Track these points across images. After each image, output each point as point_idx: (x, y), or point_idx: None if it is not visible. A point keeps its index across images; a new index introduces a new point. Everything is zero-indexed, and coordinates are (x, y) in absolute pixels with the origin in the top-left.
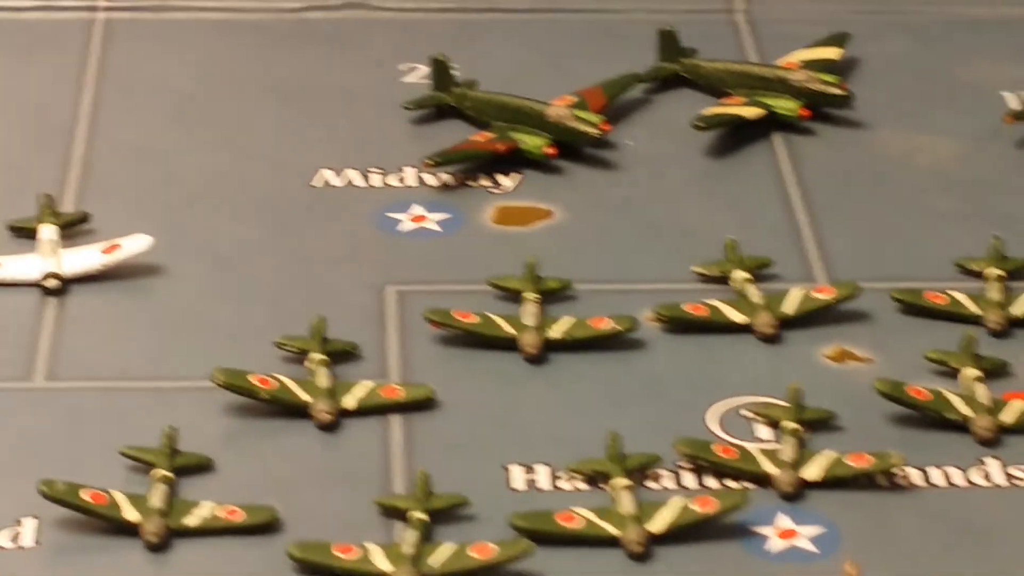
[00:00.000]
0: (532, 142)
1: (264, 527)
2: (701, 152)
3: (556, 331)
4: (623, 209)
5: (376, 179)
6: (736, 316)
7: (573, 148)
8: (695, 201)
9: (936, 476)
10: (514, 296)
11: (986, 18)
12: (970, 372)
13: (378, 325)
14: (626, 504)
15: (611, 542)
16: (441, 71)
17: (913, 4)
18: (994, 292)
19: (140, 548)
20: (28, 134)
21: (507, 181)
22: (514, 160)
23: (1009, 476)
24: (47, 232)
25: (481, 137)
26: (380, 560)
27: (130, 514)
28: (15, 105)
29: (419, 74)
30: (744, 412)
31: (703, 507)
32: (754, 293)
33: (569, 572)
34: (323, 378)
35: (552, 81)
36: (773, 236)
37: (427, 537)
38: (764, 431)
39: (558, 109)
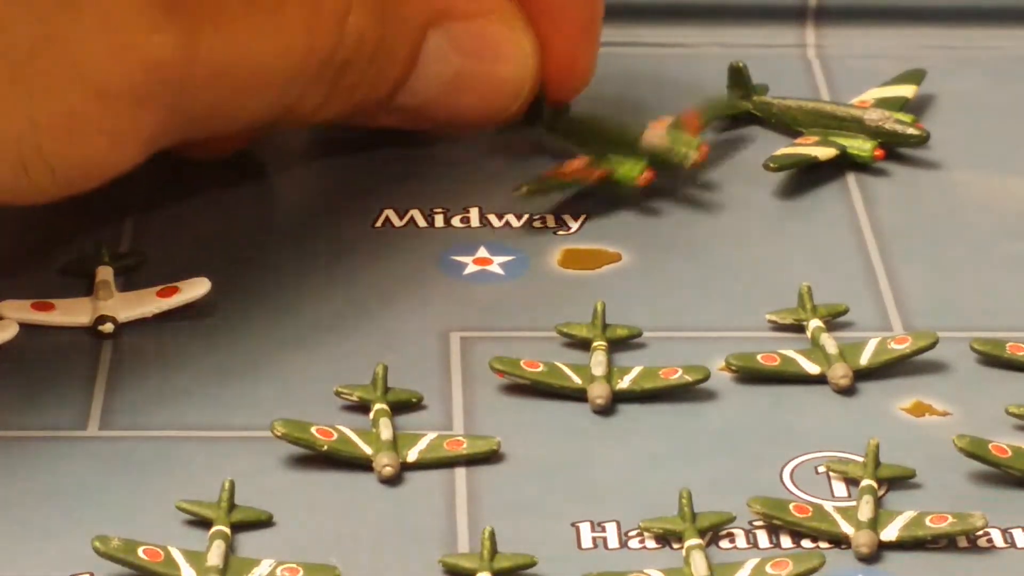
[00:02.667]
0: (627, 170)
1: None
2: (773, 193)
3: (625, 381)
4: (692, 252)
5: (439, 220)
6: (810, 367)
7: (642, 189)
8: (767, 244)
9: (1021, 538)
10: (581, 343)
11: None
12: None
13: (442, 373)
14: (699, 566)
15: None
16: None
17: (990, 40)
18: None
19: None
20: None
21: (573, 222)
22: (581, 199)
23: None
24: (103, 274)
25: (577, 164)
26: None
27: (187, 574)
28: None
29: None
30: (820, 468)
31: (778, 570)
32: (829, 343)
33: None
34: (385, 430)
35: (619, 115)
36: (847, 281)
37: None
38: (839, 487)
39: (654, 132)
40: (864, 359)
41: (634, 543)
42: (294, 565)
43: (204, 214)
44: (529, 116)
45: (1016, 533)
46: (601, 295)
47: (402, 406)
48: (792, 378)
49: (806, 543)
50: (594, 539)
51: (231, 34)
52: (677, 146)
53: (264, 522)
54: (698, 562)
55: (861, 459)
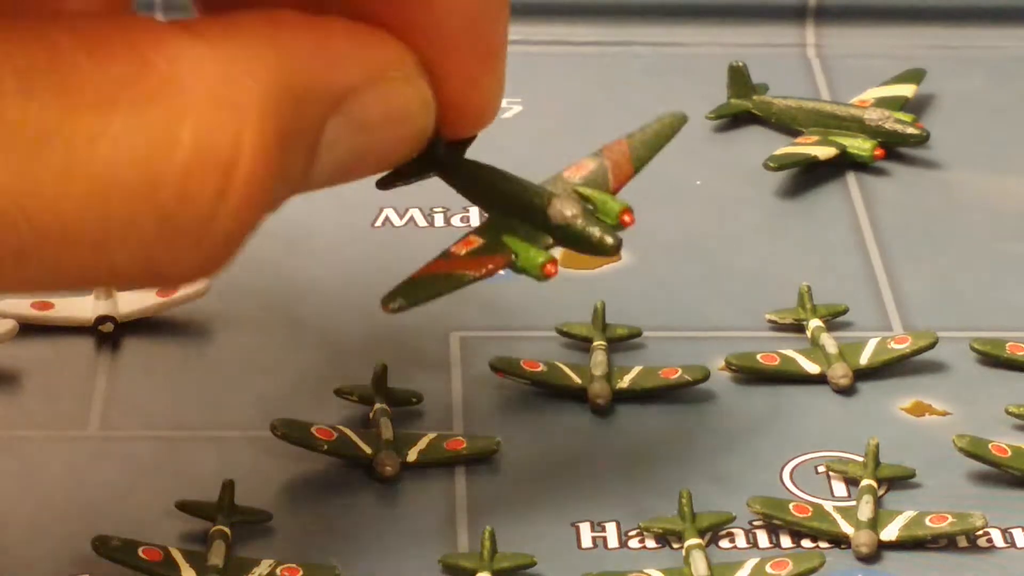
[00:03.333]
0: (530, 257)
1: None
2: (772, 193)
3: (625, 381)
4: (692, 252)
5: (440, 219)
6: (809, 366)
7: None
8: (767, 244)
9: (1020, 538)
10: (581, 343)
11: None
12: None
13: (442, 372)
14: (699, 566)
15: None
16: None
17: (989, 40)
18: None
19: None
20: None
21: None
22: None
23: None
24: None
25: (463, 247)
26: None
27: (187, 573)
28: None
29: None
30: (820, 468)
31: (778, 569)
32: (829, 342)
33: None
34: (385, 429)
35: (618, 116)
36: (847, 281)
37: None
38: (839, 487)
39: (563, 207)
40: (864, 359)
41: (634, 543)
42: (294, 565)
43: None
44: (422, 160)
45: (1016, 533)
46: (601, 295)
47: (402, 406)
48: (792, 378)
49: (806, 543)
50: (594, 539)
51: None
52: (588, 227)
53: (264, 522)
54: (698, 562)
55: (861, 459)
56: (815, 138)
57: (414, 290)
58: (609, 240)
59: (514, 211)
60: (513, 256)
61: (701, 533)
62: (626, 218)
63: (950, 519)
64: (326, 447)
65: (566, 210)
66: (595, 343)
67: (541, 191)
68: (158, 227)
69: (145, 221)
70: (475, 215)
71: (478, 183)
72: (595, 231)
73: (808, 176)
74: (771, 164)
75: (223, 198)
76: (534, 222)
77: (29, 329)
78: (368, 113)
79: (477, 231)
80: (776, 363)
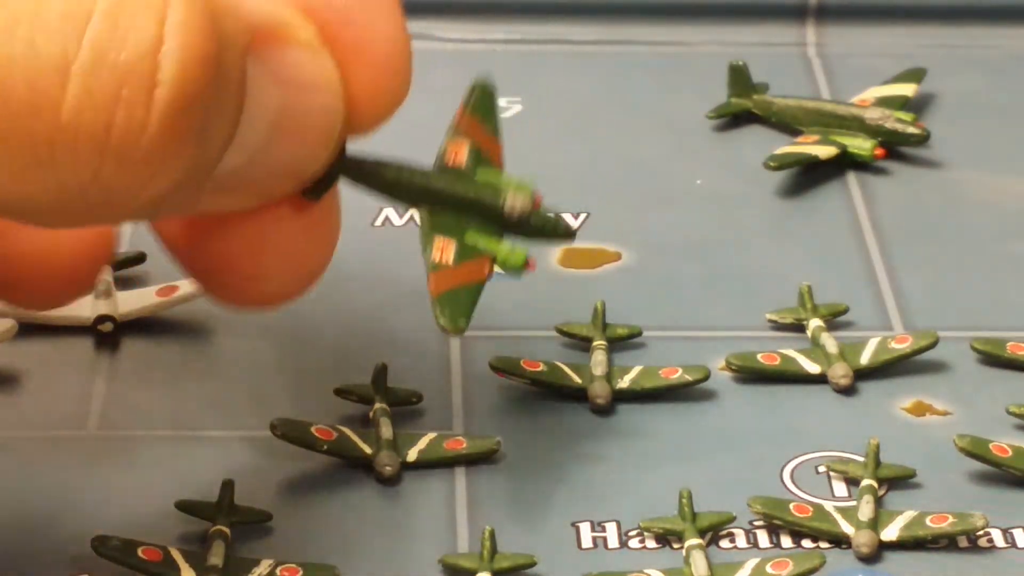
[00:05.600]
0: (508, 256)
1: None
2: (773, 192)
3: (625, 381)
4: (692, 251)
5: None
6: (810, 366)
7: (643, 185)
8: (767, 243)
9: (1021, 538)
10: (581, 342)
11: None
12: None
13: (442, 372)
14: (700, 566)
15: None
16: None
17: (990, 39)
18: None
19: None
20: None
21: (573, 221)
22: (581, 198)
23: None
24: (103, 273)
25: (443, 254)
26: None
27: (187, 573)
28: None
29: None
30: (820, 468)
31: (778, 570)
32: (829, 342)
33: None
34: (385, 429)
35: (618, 115)
36: (848, 281)
37: None
38: (839, 487)
39: (515, 201)
40: (864, 358)
41: (634, 543)
42: (294, 565)
43: None
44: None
45: (1016, 533)
46: (601, 294)
47: (402, 405)
48: (792, 378)
49: (806, 543)
50: (594, 539)
51: None
52: (545, 216)
53: (264, 522)
54: (698, 562)
55: (861, 459)
56: (815, 137)
57: (457, 303)
58: (565, 226)
59: (463, 209)
60: (493, 254)
61: (701, 533)
62: (538, 197)
63: (951, 519)
64: (326, 447)
65: (519, 203)
66: (595, 343)
67: (494, 190)
68: (78, 100)
69: (53, 87)
70: None
71: (400, 184)
72: (552, 218)
73: (808, 176)
74: (771, 164)
75: (151, 95)
76: (487, 218)
77: (28, 328)
78: (285, 68)
79: (434, 229)
80: (776, 363)
